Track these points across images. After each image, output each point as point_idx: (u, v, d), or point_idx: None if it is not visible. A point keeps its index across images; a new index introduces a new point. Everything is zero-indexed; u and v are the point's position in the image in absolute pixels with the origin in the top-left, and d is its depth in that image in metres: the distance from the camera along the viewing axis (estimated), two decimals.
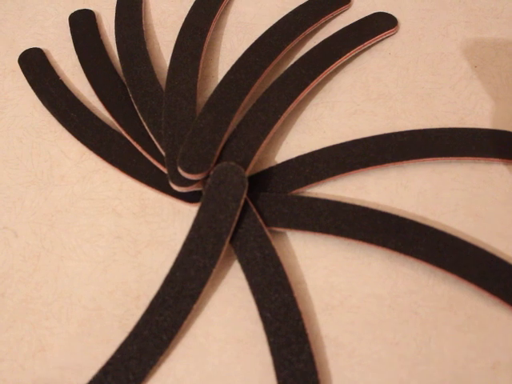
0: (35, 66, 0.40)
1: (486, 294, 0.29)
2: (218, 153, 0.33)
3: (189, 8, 0.42)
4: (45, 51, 0.41)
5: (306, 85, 0.36)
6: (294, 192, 0.33)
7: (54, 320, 0.31)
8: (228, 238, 0.31)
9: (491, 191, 0.33)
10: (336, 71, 0.38)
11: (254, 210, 0.32)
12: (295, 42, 0.38)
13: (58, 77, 0.39)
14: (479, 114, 0.36)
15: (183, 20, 0.41)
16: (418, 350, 0.29)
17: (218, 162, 0.33)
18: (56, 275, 0.32)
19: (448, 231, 0.31)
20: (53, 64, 0.40)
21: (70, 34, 0.41)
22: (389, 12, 0.41)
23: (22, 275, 0.32)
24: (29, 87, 0.39)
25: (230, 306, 0.31)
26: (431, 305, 0.30)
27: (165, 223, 0.33)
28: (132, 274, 0.32)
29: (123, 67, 0.38)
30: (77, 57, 0.40)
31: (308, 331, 0.29)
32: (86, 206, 0.34)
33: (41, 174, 0.36)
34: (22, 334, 0.31)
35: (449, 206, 0.33)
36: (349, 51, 0.37)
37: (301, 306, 0.29)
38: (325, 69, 0.36)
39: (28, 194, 0.35)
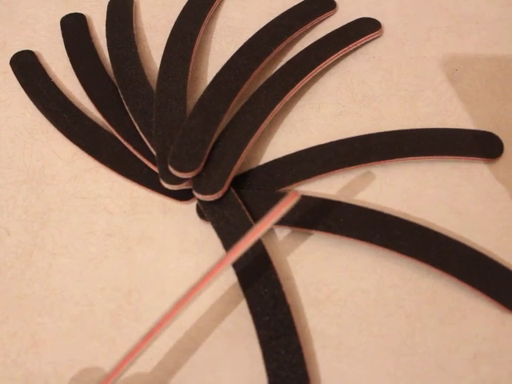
0: (27, 68, 0.40)
1: (467, 287, 0.30)
2: (207, 152, 0.33)
3: (178, 13, 0.43)
4: (36, 53, 0.41)
5: (292, 86, 0.37)
6: (282, 190, 0.34)
7: (46, 316, 0.31)
8: None
9: (472, 189, 0.34)
10: (322, 74, 0.39)
11: (243, 207, 0.33)
12: (282, 45, 0.39)
13: (49, 79, 0.39)
14: (460, 116, 0.37)
15: (173, 24, 0.42)
16: (403, 342, 0.30)
17: (207, 160, 0.33)
18: (48, 272, 0.33)
19: (431, 227, 0.32)
20: (44, 66, 0.41)
21: (61, 37, 0.42)
22: (373, 17, 0.42)
23: (14, 272, 0.33)
24: (20, 89, 0.39)
25: (219, 301, 0.31)
26: (415, 298, 0.31)
27: (155, 220, 0.34)
28: (123, 271, 0.33)
29: (114, 69, 0.39)
30: (68, 59, 0.40)
31: (296, 324, 0.30)
32: (77, 204, 0.35)
33: (33, 173, 0.36)
34: (15, 329, 0.31)
35: (431, 203, 0.34)
36: (334, 54, 0.38)
37: (289, 300, 0.30)
38: (310, 71, 0.37)
39: (20, 192, 0.35)
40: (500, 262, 0.31)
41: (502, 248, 0.32)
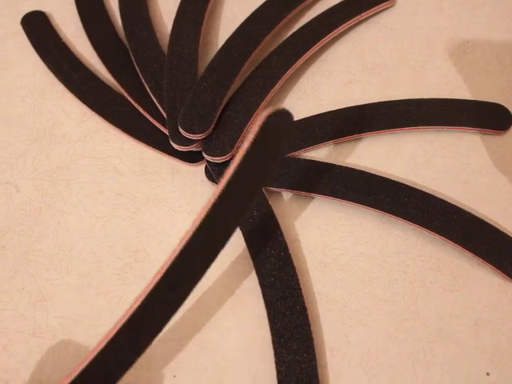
0: (38, 28, 0.40)
1: (470, 255, 0.31)
2: (217, 114, 0.34)
3: None
4: (47, 14, 0.41)
5: (304, 53, 0.37)
6: (291, 155, 0.34)
7: (54, 272, 0.32)
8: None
9: (479, 160, 0.34)
10: (333, 42, 0.39)
11: None
12: (295, 11, 0.39)
13: (60, 39, 0.39)
14: (470, 87, 0.37)
15: None
16: (406, 307, 0.30)
17: (217, 123, 0.34)
18: (57, 229, 0.33)
19: (437, 196, 0.32)
20: (55, 27, 0.40)
21: None
22: None
23: (23, 228, 0.33)
24: (31, 48, 0.39)
25: (226, 261, 0.32)
26: (419, 265, 0.31)
27: (164, 182, 0.34)
28: (131, 230, 0.33)
29: (126, 32, 0.39)
30: (79, 20, 0.40)
31: (302, 287, 0.30)
32: (87, 163, 0.35)
33: (43, 132, 0.36)
34: (23, 284, 0.32)
35: (438, 173, 0.34)
36: (346, 22, 0.38)
37: (295, 263, 0.31)
38: (322, 38, 0.37)
39: (30, 151, 0.36)
40: (504, 231, 0.31)
41: (507, 218, 0.32)
